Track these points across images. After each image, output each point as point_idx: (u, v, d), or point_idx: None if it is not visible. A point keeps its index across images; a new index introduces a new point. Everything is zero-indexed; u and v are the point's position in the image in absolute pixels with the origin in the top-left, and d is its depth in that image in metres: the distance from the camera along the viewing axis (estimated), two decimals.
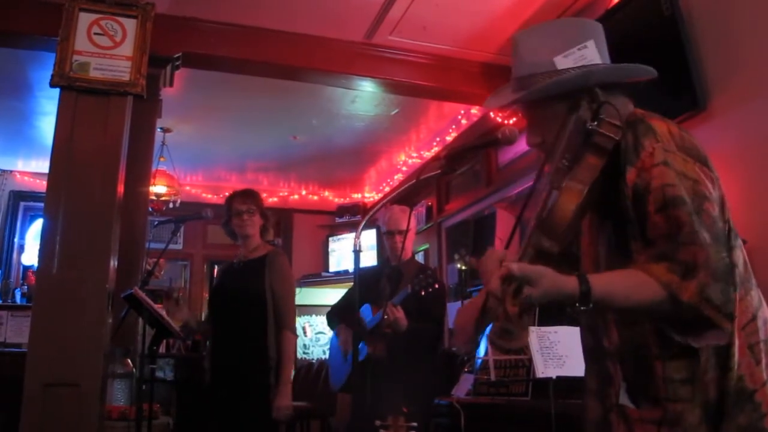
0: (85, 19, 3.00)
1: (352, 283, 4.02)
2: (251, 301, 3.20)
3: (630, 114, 1.42)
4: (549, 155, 1.45)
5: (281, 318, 3.21)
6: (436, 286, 3.32)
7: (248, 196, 3.41)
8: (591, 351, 1.51)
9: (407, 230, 3.67)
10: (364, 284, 3.51)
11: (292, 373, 3.45)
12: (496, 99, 1.64)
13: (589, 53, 1.44)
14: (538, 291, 1.20)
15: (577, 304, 1.23)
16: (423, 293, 3.31)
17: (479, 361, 3.78)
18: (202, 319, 7.16)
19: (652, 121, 1.37)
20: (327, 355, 5.03)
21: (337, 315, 3.85)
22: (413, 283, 3.32)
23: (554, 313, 3.20)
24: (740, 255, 1.35)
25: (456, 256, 5.90)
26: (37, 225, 7.01)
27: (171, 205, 6.15)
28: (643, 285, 1.24)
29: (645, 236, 1.31)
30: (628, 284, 1.27)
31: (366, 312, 3.57)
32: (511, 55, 1.54)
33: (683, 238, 1.24)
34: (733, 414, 1.24)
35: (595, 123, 1.35)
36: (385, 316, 3.30)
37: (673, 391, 1.28)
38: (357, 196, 8.06)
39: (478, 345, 1.57)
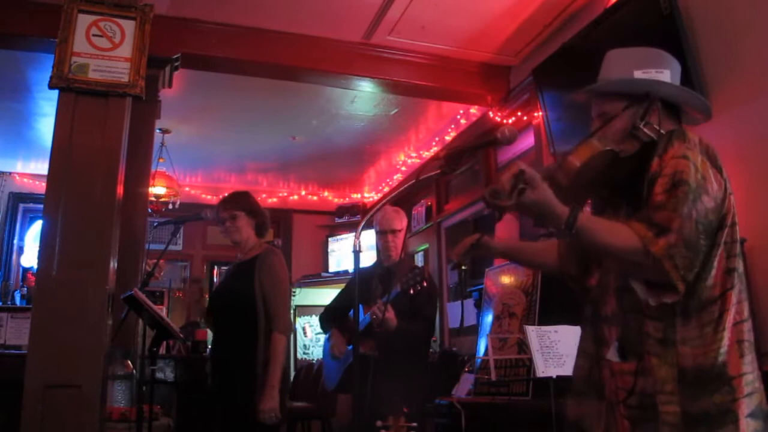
0: (83, 20, 3.00)
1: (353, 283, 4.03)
2: (241, 303, 3.16)
3: (672, 127, 1.64)
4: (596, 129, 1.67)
5: (271, 318, 3.15)
6: (425, 284, 3.32)
7: (229, 201, 3.33)
8: (589, 319, 1.71)
9: (400, 230, 3.68)
10: (358, 285, 3.51)
11: (288, 375, 3.43)
12: (579, 92, 1.81)
13: (663, 78, 1.66)
14: (534, 194, 1.43)
15: (561, 226, 1.45)
16: (412, 292, 3.31)
17: (479, 360, 3.78)
18: (201, 320, 7.18)
19: (689, 131, 1.60)
20: None
21: (329, 317, 3.85)
22: (402, 282, 3.32)
23: (552, 303, 3.21)
24: (741, 266, 1.55)
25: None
26: (37, 226, 7.00)
27: (170, 206, 6.15)
28: (622, 232, 1.47)
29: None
30: (609, 227, 1.51)
31: (353, 314, 3.58)
32: (602, 68, 1.76)
33: (669, 206, 1.45)
34: (710, 390, 1.43)
35: (642, 123, 1.59)
36: (374, 317, 3.31)
37: (650, 347, 1.49)
38: (356, 196, 8.06)
39: (466, 259, 1.80)
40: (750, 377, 1.45)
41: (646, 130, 1.58)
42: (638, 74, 1.66)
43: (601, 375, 1.60)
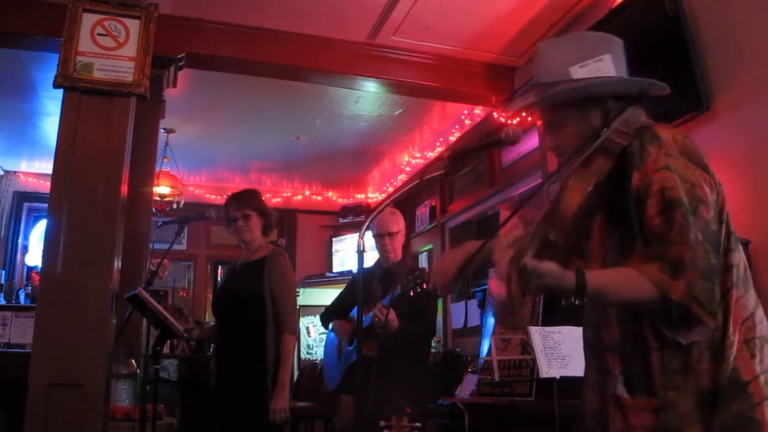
0: (88, 19, 3.00)
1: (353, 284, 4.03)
2: (250, 303, 3.18)
3: (639, 123, 1.50)
4: (562, 159, 1.57)
5: (280, 319, 3.17)
6: (425, 286, 3.32)
7: (242, 200, 3.33)
8: (591, 346, 1.60)
9: (397, 232, 3.68)
10: (358, 286, 3.51)
11: (293, 375, 3.44)
12: (519, 102, 1.75)
13: (605, 66, 1.54)
14: (538, 283, 1.33)
15: (572, 297, 1.35)
16: (412, 293, 3.31)
17: (483, 361, 3.78)
18: (204, 319, 7.19)
19: (658, 129, 1.46)
20: None
21: (330, 317, 3.86)
22: (402, 284, 3.33)
23: (555, 305, 3.21)
24: (740, 257, 1.44)
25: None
26: (41, 226, 7.02)
27: (174, 206, 6.16)
28: (636, 283, 1.34)
29: (644, 237, 1.40)
30: (621, 281, 1.38)
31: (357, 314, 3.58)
32: (534, 64, 1.65)
33: (674, 237, 1.33)
34: (727, 402, 1.33)
35: (605, 130, 1.47)
36: (376, 319, 3.31)
37: (668, 380, 1.37)
38: (360, 196, 8.06)
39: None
40: (766, 376, 1.36)
41: (612, 138, 1.46)
42: (576, 71, 1.53)
43: (606, 409, 1.50)
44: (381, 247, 3.71)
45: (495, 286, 1.40)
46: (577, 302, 1.35)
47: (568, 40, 1.64)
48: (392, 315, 3.30)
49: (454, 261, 1.69)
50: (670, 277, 1.31)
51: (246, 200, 3.33)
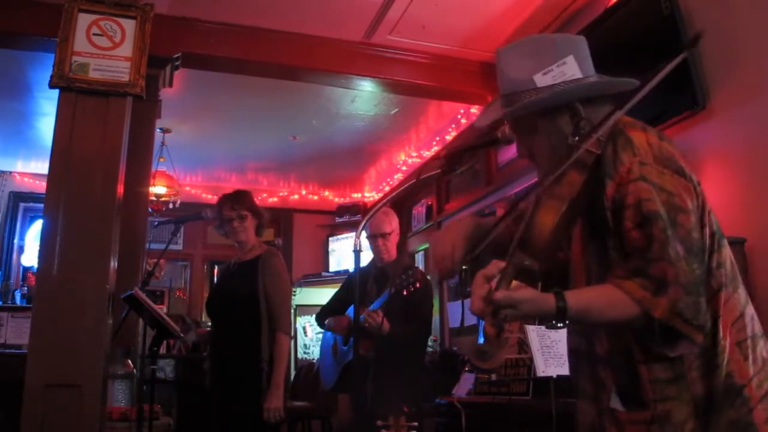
0: (84, 19, 2.99)
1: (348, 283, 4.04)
2: (244, 303, 3.18)
3: (613, 125, 1.43)
4: (538, 168, 1.55)
5: (274, 319, 3.17)
6: (418, 285, 3.32)
7: (237, 200, 3.33)
8: (580, 354, 1.56)
9: (390, 233, 3.68)
10: (353, 286, 3.52)
11: (289, 374, 3.44)
12: (484, 116, 1.69)
13: (569, 69, 1.47)
14: (518, 313, 1.28)
15: (554, 321, 1.30)
16: (405, 293, 3.32)
17: None
18: (201, 319, 7.18)
19: (631, 132, 1.41)
20: None
21: (326, 316, 3.87)
22: (395, 284, 3.33)
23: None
24: (726, 255, 1.41)
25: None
26: (37, 226, 7.00)
27: (171, 206, 6.15)
28: (617, 302, 1.30)
29: (623, 248, 1.36)
30: (603, 301, 1.33)
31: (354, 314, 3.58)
32: (497, 73, 1.58)
33: (654, 254, 1.29)
34: (722, 409, 1.30)
35: (576, 138, 1.40)
36: (366, 325, 3.31)
37: (660, 391, 1.33)
38: (357, 195, 8.06)
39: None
40: (760, 377, 1.33)
41: (584, 146, 1.38)
42: (540, 79, 1.47)
43: (602, 423, 1.46)
44: (374, 248, 3.71)
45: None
46: (559, 325, 1.30)
47: (528, 45, 1.55)
48: (380, 317, 3.30)
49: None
50: (651, 294, 1.27)
51: (240, 201, 3.33)
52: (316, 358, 7.22)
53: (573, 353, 1.61)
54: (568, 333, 1.61)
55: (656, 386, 1.33)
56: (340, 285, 4.07)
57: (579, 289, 1.44)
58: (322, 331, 3.99)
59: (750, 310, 1.40)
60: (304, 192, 8.00)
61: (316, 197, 8.08)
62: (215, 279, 7.82)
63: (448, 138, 5.87)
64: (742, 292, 1.41)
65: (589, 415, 1.51)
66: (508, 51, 1.56)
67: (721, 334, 1.33)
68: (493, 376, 3.24)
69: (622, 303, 1.30)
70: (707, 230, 1.38)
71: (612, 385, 1.43)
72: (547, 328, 1.34)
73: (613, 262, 1.38)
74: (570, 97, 1.46)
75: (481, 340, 1.29)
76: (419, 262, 6.72)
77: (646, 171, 1.34)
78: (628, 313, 1.29)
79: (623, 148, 1.38)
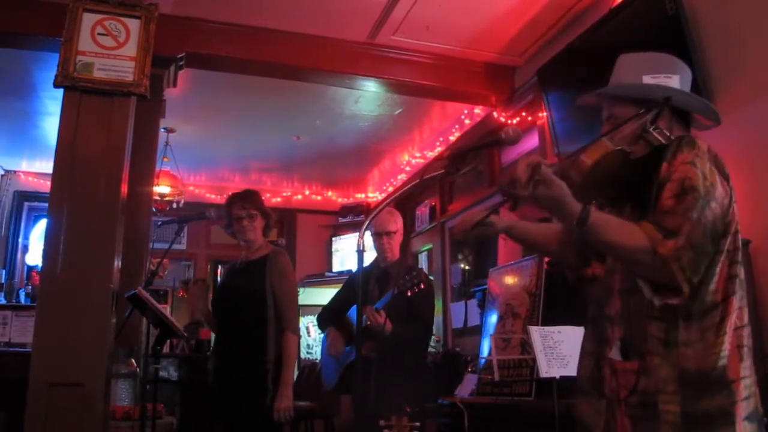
0: (88, 19, 2.99)
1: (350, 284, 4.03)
2: (251, 302, 3.18)
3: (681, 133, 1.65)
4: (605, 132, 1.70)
5: (282, 319, 3.18)
6: (422, 286, 3.32)
7: (247, 199, 3.35)
8: (592, 318, 1.73)
9: (395, 232, 3.68)
10: (355, 286, 3.52)
11: (295, 374, 3.44)
12: (587, 95, 1.84)
13: (673, 83, 1.69)
14: (548, 190, 1.48)
15: (573, 222, 1.49)
16: (409, 293, 3.31)
17: (483, 361, 3.78)
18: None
19: (697, 138, 1.61)
20: None
21: (327, 317, 3.86)
22: (399, 285, 3.33)
23: (554, 303, 3.20)
24: (740, 272, 1.55)
25: (459, 256, 5.90)
26: (41, 225, 7.02)
27: (174, 206, 6.16)
28: (632, 232, 1.49)
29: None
30: (620, 226, 1.54)
31: (356, 314, 3.58)
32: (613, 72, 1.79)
33: (678, 211, 1.47)
34: (712, 393, 1.45)
35: (652, 128, 1.61)
36: (368, 322, 3.31)
37: (653, 347, 1.51)
38: (360, 196, 8.06)
39: (469, 237, 1.79)
40: (748, 381, 1.49)
41: (655, 134, 1.59)
42: (647, 79, 1.69)
43: (601, 373, 1.63)
44: (379, 246, 3.71)
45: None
46: (577, 227, 1.47)
47: (648, 55, 1.77)
48: (382, 318, 3.30)
49: (478, 215, 1.79)
50: (663, 237, 1.45)
51: (250, 200, 3.34)
52: (318, 358, 7.23)
53: (588, 321, 1.78)
54: (588, 305, 1.76)
55: (650, 340, 1.52)
56: (342, 285, 4.07)
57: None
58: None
59: (749, 328, 1.55)
60: (307, 192, 8.01)
61: (319, 197, 8.08)
62: (219, 278, 7.83)
63: (452, 138, 5.86)
64: (746, 311, 1.55)
65: (587, 368, 1.69)
66: (629, 56, 1.78)
67: (724, 329, 1.49)
68: (496, 377, 3.24)
69: (635, 234, 1.48)
70: (732, 241, 1.53)
71: (615, 340, 1.61)
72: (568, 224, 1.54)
73: None
74: (670, 95, 1.63)
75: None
76: (423, 262, 6.72)
77: (699, 161, 1.52)
78: (638, 243, 1.47)
79: (687, 144, 1.57)
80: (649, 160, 1.59)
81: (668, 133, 1.61)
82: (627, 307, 1.60)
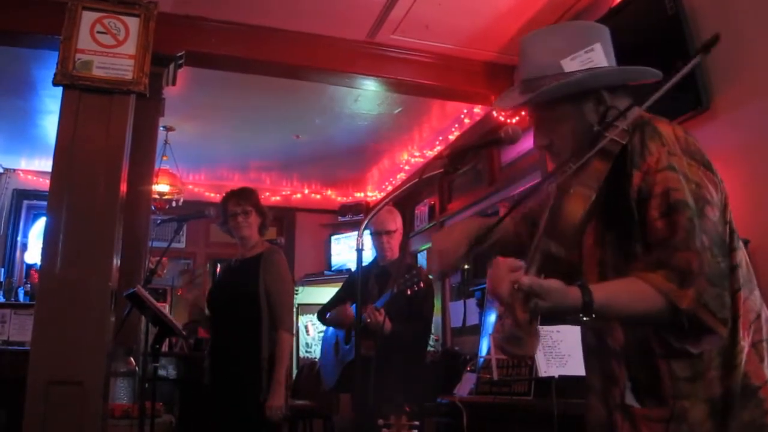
0: (88, 17, 3.00)
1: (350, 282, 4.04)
2: (245, 301, 3.18)
3: (637, 117, 1.41)
4: (556, 157, 1.50)
5: (276, 317, 3.17)
6: (422, 285, 3.33)
7: (243, 196, 3.37)
8: (594, 350, 1.52)
9: (394, 231, 3.68)
10: (354, 285, 3.52)
11: (291, 373, 3.44)
12: (505, 101, 1.64)
13: (596, 56, 1.46)
14: (546, 304, 1.23)
15: (580, 315, 1.26)
16: (409, 292, 3.32)
17: (482, 360, 3.78)
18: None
19: (658, 124, 1.39)
20: None
21: (327, 314, 3.87)
22: (398, 284, 3.33)
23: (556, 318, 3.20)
24: (742, 256, 1.38)
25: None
26: (40, 223, 7.01)
27: (174, 204, 6.16)
28: (643, 294, 1.26)
29: (645, 240, 1.33)
30: (628, 294, 1.29)
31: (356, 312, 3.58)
32: (518, 58, 1.56)
33: (679, 243, 1.26)
34: (738, 410, 1.27)
35: (602, 127, 1.39)
36: (368, 320, 3.31)
37: (679, 389, 1.30)
38: (359, 195, 8.06)
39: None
40: None
41: (612, 137, 1.36)
42: (567, 64, 1.45)
43: (612, 419, 1.43)
44: (378, 245, 3.71)
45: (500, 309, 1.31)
46: (584, 319, 1.26)
47: (555, 32, 1.54)
48: (382, 316, 3.30)
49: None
50: (677, 286, 1.24)
51: (246, 196, 3.36)
52: (317, 357, 7.23)
53: (585, 349, 1.59)
54: (584, 332, 1.59)
55: (675, 383, 1.31)
56: (341, 284, 4.07)
57: (602, 283, 1.39)
58: (324, 330, 3.99)
59: (765, 313, 1.38)
60: (306, 191, 8.00)
61: (318, 196, 8.08)
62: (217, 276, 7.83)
63: (451, 138, 5.86)
64: (757, 294, 1.39)
65: (598, 412, 1.48)
66: (534, 36, 1.54)
67: (740, 333, 1.31)
68: (495, 376, 3.24)
69: (647, 296, 1.26)
70: (728, 228, 1.36)
71: (625, 380, 1.40)
72: (572, 321, 1.31)
73: (638, 254, 1.35)
74: (602, 81, 1.45)
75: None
76: (422, 261, 6.72)
77: (675, 161, 1.32)
78: (654, 305, 1.26)
79: (651, 138, 1.36)
80: (613, 167, 1.37)
81: (623, 126, 1.38)
82: (632, 341, 1.40)
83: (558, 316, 1.31)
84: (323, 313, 3.91)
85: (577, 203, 1.34)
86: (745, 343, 1.31)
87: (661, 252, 1.28)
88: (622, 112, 1.40)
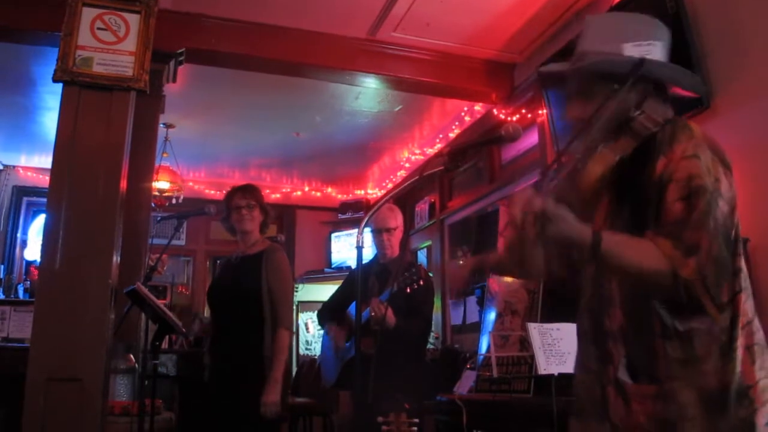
0: (88, 14, 2.99)
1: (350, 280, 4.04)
2: (246, 298, 3.18)
3: (671, 116, 1.50)
4: (582, 130, 1.53)
5: (277, 315, 3.18)
6: (422, 282, 3.33)
7: (248, 191, 3.40)
8: (588, 332, 1.57)
9: (395, 228, 3.68)
10: (354, 282, 3.52)
11: (290, 370, 3.44)
12: (555, 66, 1.69)
13: (655, 51, 1.51)
14: (553, 228, 1.32)
15: (585, 253, 1.34)
16: (409, 290, 3.32)
17: (481, 357, 3.78)
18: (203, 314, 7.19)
19: (690, 122, 1.47)
20: None
21: (327, 313, 3.86)
22: (398, 281, 3.33)
23: (554, 302, 3.20)
24: (743, 263, 1.45)
25: (459, 254, 5.90)
26: (40, 220, 7.01)
27: (174, 201, 6.16)
28: (649, 253, 1.33)
29: (659, 222, 1.39)
30: (635, 250, 1.36)
31: (355, 310, 3.58)
32: (581, 32, 1.62)
33: (693, 222, 1.33)
34: (735, 406, 1.33)
35: (638, 112, 1.46)
36: (373, 314, 3.31)
37: (671, 370, 1.36)
38: (360, 192, 8.06)
39: (469, 286, 1.76)
40: (764, 382, 1.36)
41: (643, 120, 1.45)
42: (628, 48, 1.50)
43: (605, 393, 1.47)
44: (379, 242, 3.71)
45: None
46: (587, 259, 1.34)
47: (624, 17, 1.61)
48: (389, 312, 3.31)
49: (464, 269, 1.72)
50: (682, 254, 1.30)
51: (251, 192, 3.40)
52: (317, 355, 7.23)
53: (580, 335, 1.63)
54: (581, 315, 1.62)
55: (668, 363, 1.36)
56: (342, 281, 4.07)
57: (613, 231, 1.44)
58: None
59: (757, 322, 1.43)
60: (307, 188, 8.00)
61: (318, 194, 8.07)
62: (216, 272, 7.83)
63: (452, 135, 5.86)
64: (752, 302, 1.44)
65: (589, 387, 1.53)
66: (603, 16, 1.64)
67: (737, 332, 1.36)
68: (495, 374, 3.24)
69: (653, 256, 1.33)
70: (734, 233, 1.41)
71: (621, 357, 1.45)
72: (576, 263, 1.40)
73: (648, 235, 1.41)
74: (649, 68, 1.48)
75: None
76: (422, 259, 6.72)
77: (701, 152, 1.38)
78: (656, 266, 1.32)
79: (681, 130, 1.43)
80: (640, 152, 1.45)
81: (656, 117, 1.46)
82: (631, 320, 1.44)
83: (563, 248, 1.40)
84: (323, 312, 3.91)
85: (600, 162, 1.43)
86: (739, 344, 1.36)
87: (673, 227, 1.34)
88: (656, 98, 1.49)
